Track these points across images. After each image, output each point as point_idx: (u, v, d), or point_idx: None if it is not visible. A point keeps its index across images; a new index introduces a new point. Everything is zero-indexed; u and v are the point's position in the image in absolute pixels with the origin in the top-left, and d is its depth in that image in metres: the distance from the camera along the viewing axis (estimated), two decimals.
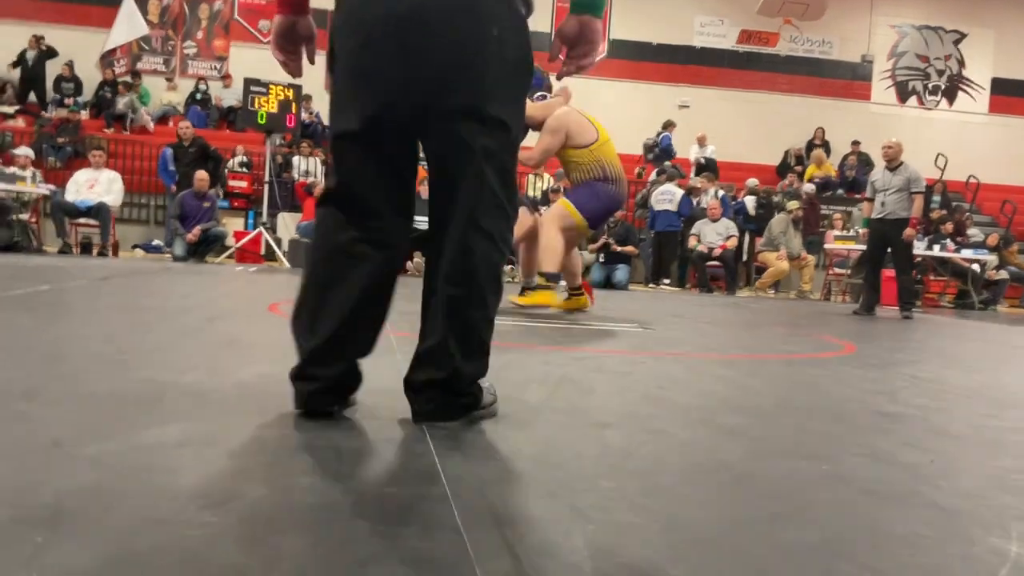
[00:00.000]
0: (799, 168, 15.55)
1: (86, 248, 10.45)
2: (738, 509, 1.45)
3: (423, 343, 1.90)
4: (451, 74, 1.78)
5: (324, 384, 1.88)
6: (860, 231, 8.28)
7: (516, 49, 1.85)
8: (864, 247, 11.46)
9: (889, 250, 8.13)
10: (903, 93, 17.50)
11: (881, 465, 1.81)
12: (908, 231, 7.88)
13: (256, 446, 1.66)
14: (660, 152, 14.45)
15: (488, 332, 1.92)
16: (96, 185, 10.49)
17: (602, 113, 16.91)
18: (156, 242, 11.47)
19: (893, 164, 8.03)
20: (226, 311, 4.27)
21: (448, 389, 1.89)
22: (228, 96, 15.12)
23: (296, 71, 2.05)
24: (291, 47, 2.01)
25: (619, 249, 11.27)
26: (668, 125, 15.00)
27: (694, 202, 12.61)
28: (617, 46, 16.51)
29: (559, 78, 2.04)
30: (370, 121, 1.82)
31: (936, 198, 14.94)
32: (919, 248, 11.56)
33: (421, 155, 1.96)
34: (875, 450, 1.96)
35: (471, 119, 1.81)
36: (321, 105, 15.41)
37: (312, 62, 2.03)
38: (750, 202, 13.03)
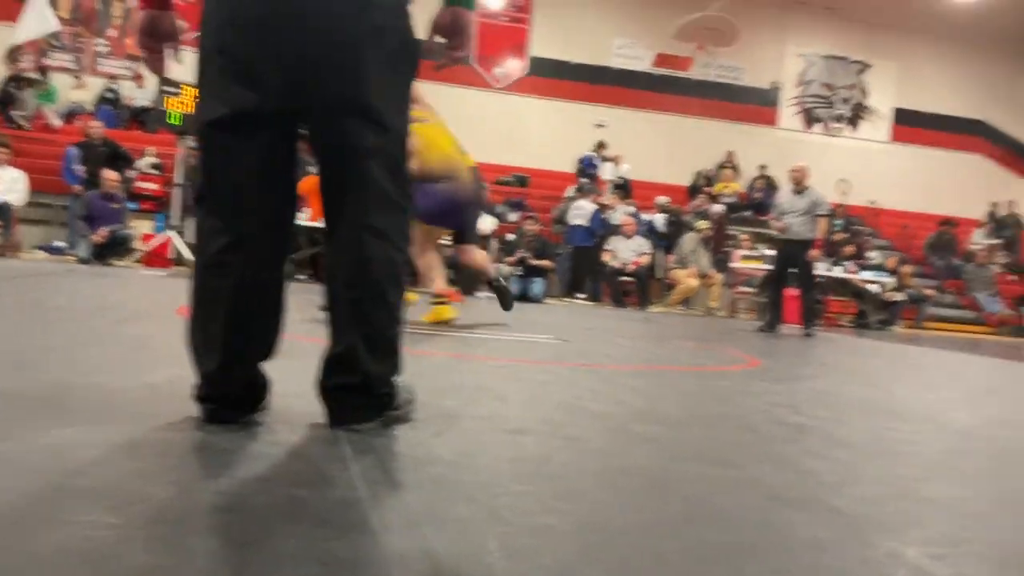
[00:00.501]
0: (709, 189, 15.94)
1: None
2: (651, 512, 1.48)
3: (332, 348, 1.88)
4: (328, 65, 1.74)
5: (227, 402, 1.84)
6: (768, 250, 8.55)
7: (397, 37, 1.82)
8: (768, 267, 11.84)
9: (793, 270, 8.39)
10: (809, 119, 18.13)
11: (786, 472, 1.88)
12: (813, 252, 8.16)
13: (164, 448, 1.62)
14: (582, 170, 14.66)
15: (395, 329, 1.89)
16: None
17: (523, 129, 17.01)
18: (58, 243, 11.05)
19: (799, 187, 8.31)
20: (135, 313, 4.15)
21: (361, 392, 1.87)
22: (140, 96, 14.69)
23: (159, 68, 1.98)
24: (154, 43, 1.93)
25: (535, 263, 11.36)
26: (600, 146, 15.21)
27: (601, 218, 12.81)
28: (537, 63, 16.68)
29: (437, 69, 2.03)
30: (240, 111, 1.75)
31: (838, 222, 15.49)
32: (821, 269, 11.97)
33: None
34: (780, 458, 2.03)
35: (352, 114, 1.78)
36: None
37: (179, 61, 1.97)
38: (660, 220, 13.30)
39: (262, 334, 1.88)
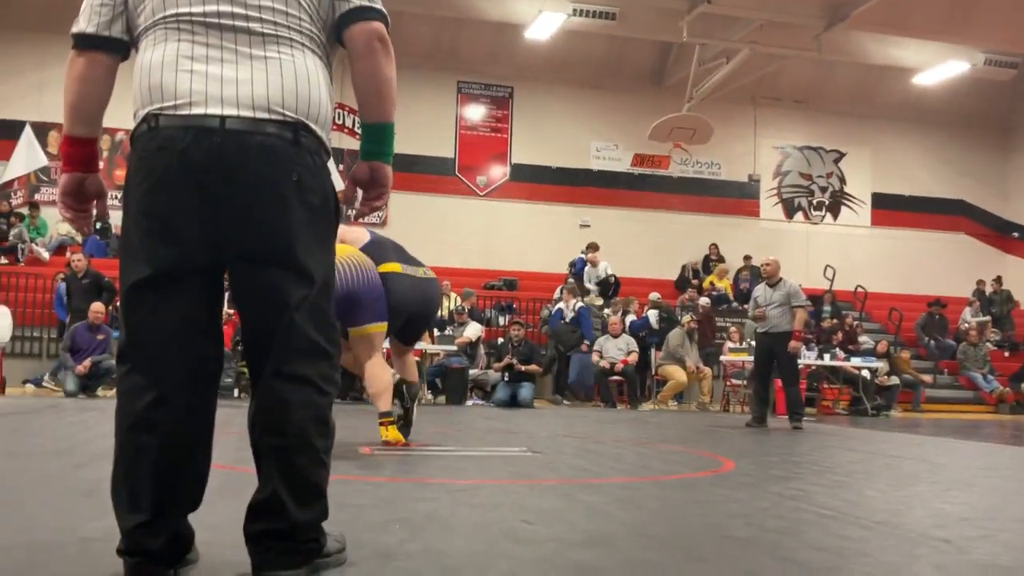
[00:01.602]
0: (696, 281, 16.07)
1: None
2: None
3: (257, 493, 1.88)
4: (250, 221, 1.79)
5: (151, 556, 1.83)
6: (751, 342, 8.60)
7: (317, 193, 1.87)
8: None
9: (776, 362, 8.40)
10: (790, 209, 18.39)
11: None
12: (792, 343, 8.18)
13: None
14: (575, 273, 14.84)
15: (320, 474, 1.90)
16: None
17: (508, 233, 17.22)
18: (47, 379, 11.05)
19: (772, 280, 8.40)
20: (98, 454, 4.13)
21: (286, 538, 1.86)
22: None
23: (84, 228, 2.06)
24: (79, 205, 1.98)
25: (523, 368, 11.36)
26: (591, 247, 15.37)
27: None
28: (518, 170, 17.04)
29: (355, 219, 2.10)
30: (164, 270, 1.80)
31: (827, 308, 15.56)
32: (810, 358, 11.97)
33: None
34: None
35: (274, 266, 1.83)
36: None
37: (105, 218, 2.00)
38: (653, 316, 13.36)
39: (188, 488, 1.90)
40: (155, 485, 1.82)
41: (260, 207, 1.79)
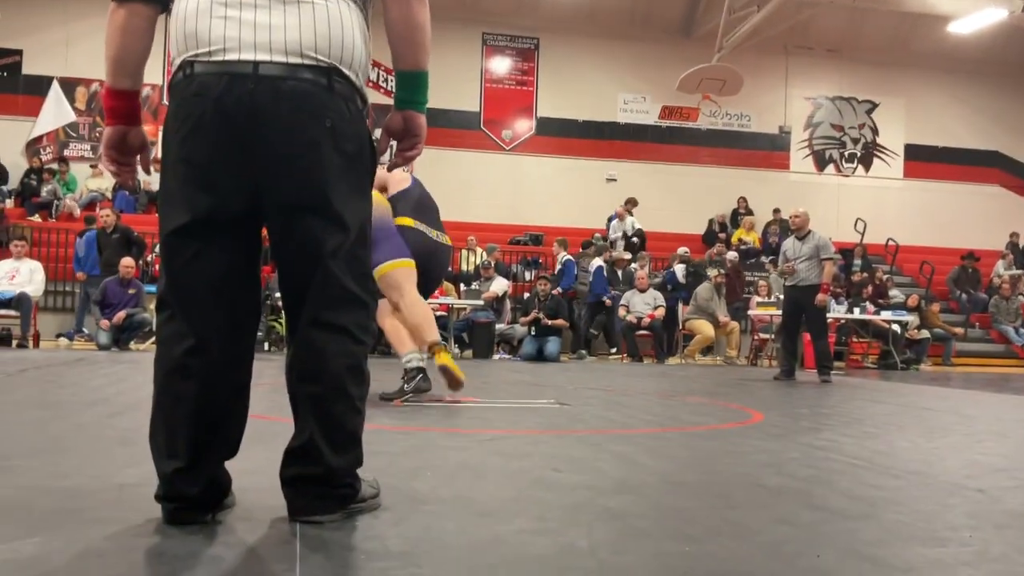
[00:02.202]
0: (723, 235, 15.94)
1: (5, 340, 10.19)
2: None
3: (293, 440, 1.91)
4: (285, 168, 1.80)
5: (189, 502, 1.86)
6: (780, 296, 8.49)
7: (352, 140, 1.87)
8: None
9: (804, 316, 8.33)
10: (821, 162, 18.14)
11: (743, 544, 1.86)
12: (820, 296, 8.10)
13: (118, 557, 1.64)
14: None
15: (355, 421, 1.93)
16: (17, 276, 10.31)
17: (534, 188, 17.19)
18: (84, 330, 11.22)
19: (801, 233, 8.30)
20: (131, 404, 4.20)
21: (322, 483, 1.89)
22: (158, 180, 15.04)
23: (128, 180, 2.07)
24: (123, 158, 2.00)
25: (549, 323, 11.37)
26: (630, 202, 15.28)
27: (618, 273, 12.95)
28: (544, 123, 16.90)
29: (388, 170, 2.08)
30: (202, 216, 1.81)
31: (857, 261, 15.40)
32: (839, 312, 11.87)
33: None
34: (743, 528, 2.01)
35: (310, 214, 1.83)
36: None
37: (148, 172, 2.01)
38: (680, 270, 13.29)
39: (226, 435, 1.92)
40: (192, 431, 1.84)
41: (293, 154, 1.80)
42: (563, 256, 12.74)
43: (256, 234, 1.92)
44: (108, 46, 1.92)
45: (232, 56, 1.77)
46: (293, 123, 1.79)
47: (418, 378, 4.58)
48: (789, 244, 8.46)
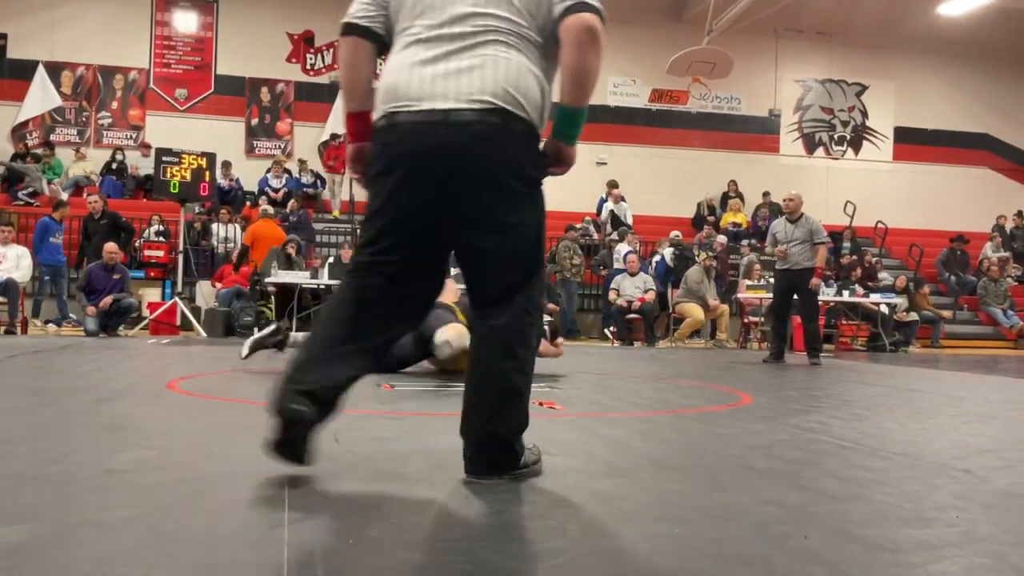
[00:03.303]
0: (711, 218, 15.95)
1: None
2: None
3: (467, 404, 2.23)
4: (472, 201, 2.13)
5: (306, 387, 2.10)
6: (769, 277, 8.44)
7: (529, 173, 2.20)
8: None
9: (796, 299, 8.35)
10: (810, 144, 18.16)
11: (732, 526, 1.87)
12: (814, 280, 8.12)
13: (104, 544, 1.64)
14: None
15: (521, 381, 2.21)
16: (4, 262, 10.24)
17: None
18: (72, 316, 11.16)
19: (794, 216, 8.30)
20: (120, 391, 4.18)
21: (491, 446, 2.20)
22: (145, 165, 14.93)
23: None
24: (362, 167, 2.32)
25: None
26: (610, 184, 15.29)
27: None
28: None
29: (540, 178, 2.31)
30: (399, 245, 2.19)
31: (846, 244, 15.44)
32: (829, 294, 11.90)
33: None
34: (732, 510, 2.02)
35: (492, 237, 2.16)
36: (240, 171, 15.35)
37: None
38: (669, 254, 13.30)
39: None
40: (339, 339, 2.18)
41: (480, 189, 2.11)
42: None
43: (444, 259, 2.32)
44: (341, 77, 2.37)
45: (426, 105, 2.09)
46: (480, 161, 2.09)
47: None
48: (780, 227, 8.45)
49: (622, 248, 13.20)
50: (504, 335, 2.20)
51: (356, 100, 2.29)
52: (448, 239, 2.23)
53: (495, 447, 2.21)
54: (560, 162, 2.27)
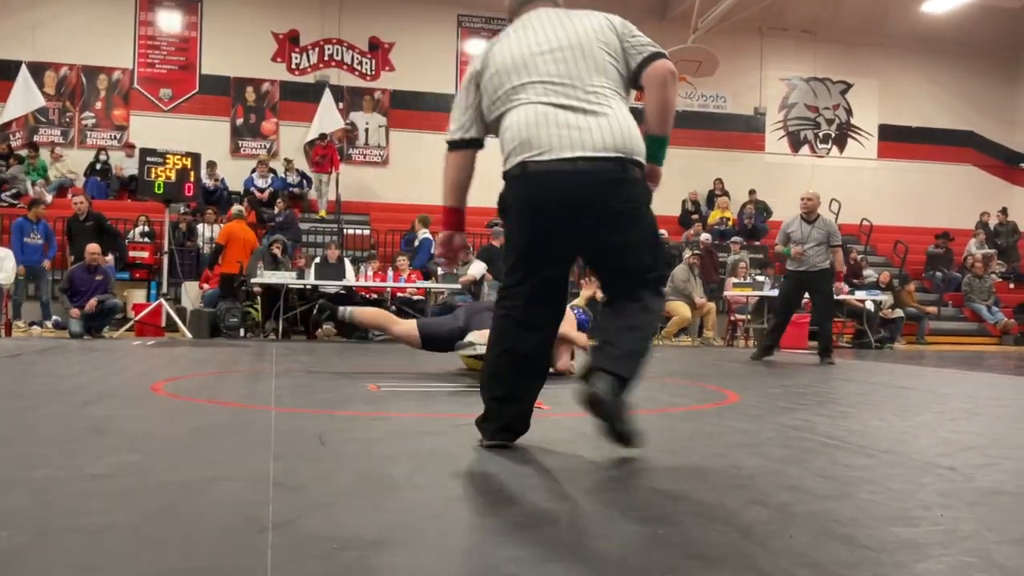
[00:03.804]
0: (695, 216, 15.98)
1: None
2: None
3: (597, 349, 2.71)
4: (598, 233, 2.61)
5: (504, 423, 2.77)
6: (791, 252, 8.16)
7: (643, 206, 2.67)
8: (760, 294, 11.79)
9: (813, 300, 8.32)
10: (795, 142, 18.21)
11: (717, 525, 1.87)
12: (837, 284, 8.04)
13: (87, 550, 1.62)
14: None
15: (644, 341, 2.74)
16: None
17: None
18: (55, 318, 11.08)
19: (811, 216, 8.14)
20: (104, 393, 4.15)
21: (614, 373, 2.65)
22: (129, 165, 14.83)
23: (453, 266, 3.00)
24: (450, 253, 2.94)
25: None
26: None
27: None
28: None
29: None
30: (536, 272, 2.68)
31: None
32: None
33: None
34: (719, 509, 2.02)
35: (617, 258, 2.67)
36: (226, 171, 15.27)
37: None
38: None
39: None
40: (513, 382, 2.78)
41: (605, 223, 2.59)
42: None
43: (566, 276, 2.80)
44: (445, 178, 2.86)
45: (556, 155, 2.54)
46: (604, 201, 2.57)
47: None
48: (795, 226, 8.19)
49: None
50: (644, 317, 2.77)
51: (456, 199, 2.86)
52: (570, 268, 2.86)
53: None
54: (652, 179, 2.73)
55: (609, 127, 2.55)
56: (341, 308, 5.54)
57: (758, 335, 8.86)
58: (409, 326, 5.47)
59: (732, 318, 12.60)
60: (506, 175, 2.66)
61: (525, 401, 2.79)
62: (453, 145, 2.81)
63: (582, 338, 5.56)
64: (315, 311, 5.45)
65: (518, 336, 2.69)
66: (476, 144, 2.82)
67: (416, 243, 12.95)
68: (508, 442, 2.71)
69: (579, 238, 2.64)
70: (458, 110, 2.81)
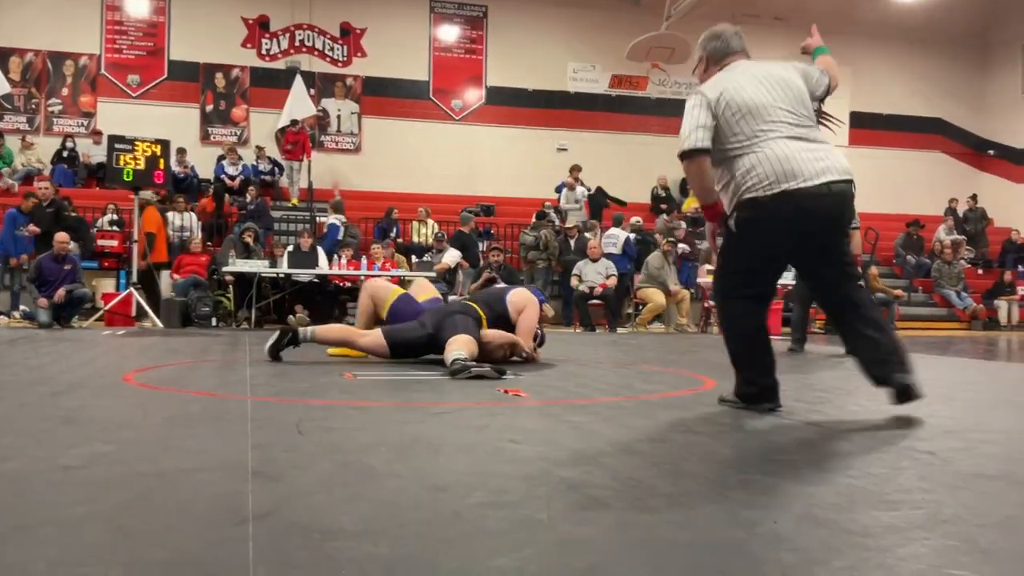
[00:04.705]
0: (665, 203, 16.02)
1: None
2: (547, 567, 1.46)
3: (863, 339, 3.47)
4: (829, 242, 3.35)
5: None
6: None
7: (853, 211, 3.41)
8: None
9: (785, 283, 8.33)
10: None
11: (700, 512, 1.86)
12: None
13: (61, 542, 1.58)
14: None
15: (882, 324, 3.50)
16: None
17: (485, 158, 17.11)
18: (24, 308, 10.90)
19: None
20: (75, 383, 4.09)
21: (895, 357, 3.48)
22: (97, 152, 14.62)
23: (714, 248, 3.54)
24: (714, 240, 3.52)
25: None
26: (576, 168, 15.25)
27: (570, 242, 12.97)
28: (494, 93, 16.78)
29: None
30: (765, 283, 3.47)
31: None
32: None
33: None
34: (700, 496, 2.01)
35: (835, 262, 3.38)
36: (195, 158, 15.09)
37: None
38: (631, 239, 13.33)
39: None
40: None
41: (837, 234, 3.40)
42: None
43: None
44: (700, 181, 3.34)
45: (813, 182, 3.18)
46: (844, 216, 3.34)
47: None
48: None
49: (619, 234, 13.18)
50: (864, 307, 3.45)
51: (706, 196, 3.37)
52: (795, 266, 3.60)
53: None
54: (829, 66, 3.77)
55: (835, 154, 3.28)
56: (302, 329, 5.47)
57: (795, 326, 8.54)
58: (375, 336, 5.37)
59: (706, 305, 12.66)
60: (755, 201, 3.21)
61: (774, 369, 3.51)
62: (697, 152, 3.27)
63: (528, 341, 5.68)
64: (276, 337, 5.38)
65: (755, 319, 3.47)
66: (710, 152, 3.31)
67: (326, 229, 12.95)
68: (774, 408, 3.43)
69: (823, 246, 3.33)
70: (695, 122, 3.28)
